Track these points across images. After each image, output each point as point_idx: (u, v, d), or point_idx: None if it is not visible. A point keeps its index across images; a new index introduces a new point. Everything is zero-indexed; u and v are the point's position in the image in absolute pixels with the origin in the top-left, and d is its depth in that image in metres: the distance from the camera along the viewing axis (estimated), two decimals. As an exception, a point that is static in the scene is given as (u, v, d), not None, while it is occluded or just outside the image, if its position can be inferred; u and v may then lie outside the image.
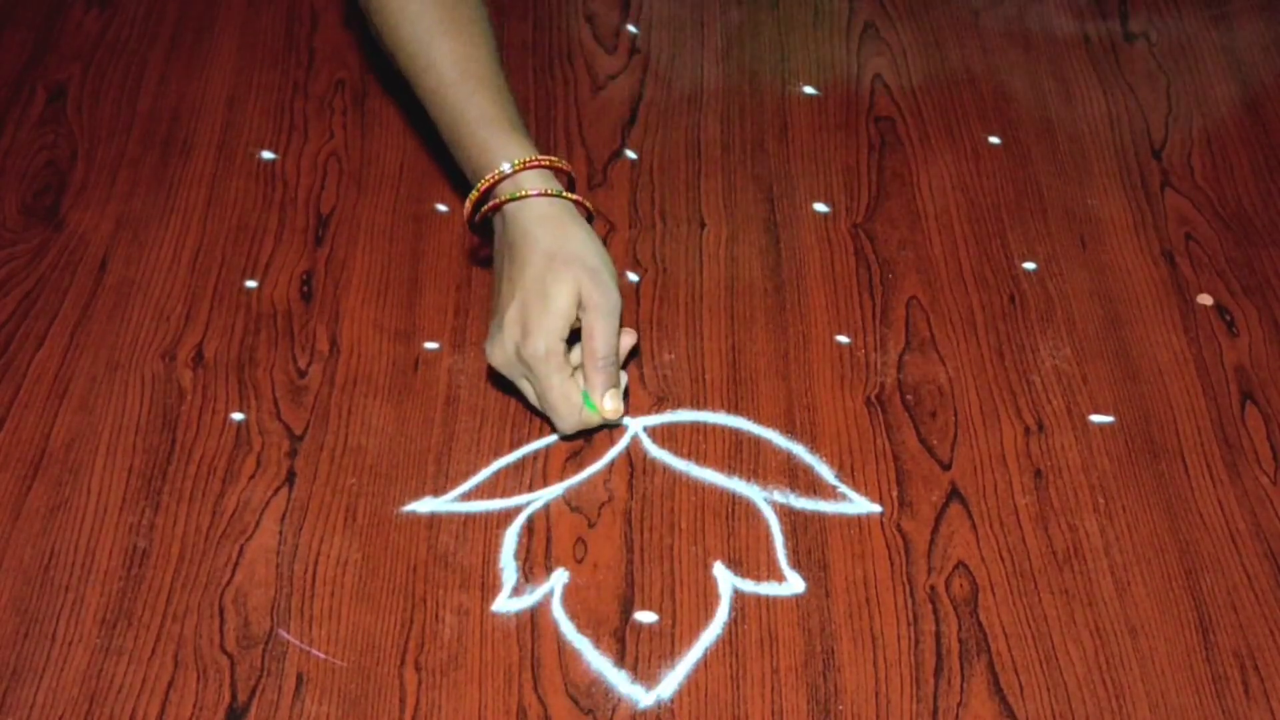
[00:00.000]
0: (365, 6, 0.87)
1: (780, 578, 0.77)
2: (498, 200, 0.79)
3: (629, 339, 0.82)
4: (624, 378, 0.82)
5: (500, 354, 0.78)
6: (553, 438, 0.83)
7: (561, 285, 0.77)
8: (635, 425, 0.84)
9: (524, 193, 0.78)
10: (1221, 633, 0.74)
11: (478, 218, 0.81)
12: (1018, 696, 0.72)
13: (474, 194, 0.80)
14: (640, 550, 0.78)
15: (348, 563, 0.77)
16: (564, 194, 0.80)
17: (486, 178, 0.79)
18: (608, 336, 0.78)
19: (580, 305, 0.78)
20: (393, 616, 0.75)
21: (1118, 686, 0.72)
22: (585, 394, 0.79)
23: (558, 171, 0.81)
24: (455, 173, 0.84)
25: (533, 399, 0.80)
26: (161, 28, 1.10)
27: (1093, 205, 0.98)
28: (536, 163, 0.79)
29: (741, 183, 0.99)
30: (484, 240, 0.85)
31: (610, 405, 0.79)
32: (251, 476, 0.81)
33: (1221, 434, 0.84)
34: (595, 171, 0.99)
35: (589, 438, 0.83)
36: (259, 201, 0.97)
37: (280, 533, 0.78)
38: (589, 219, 0.82)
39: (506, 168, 0.79)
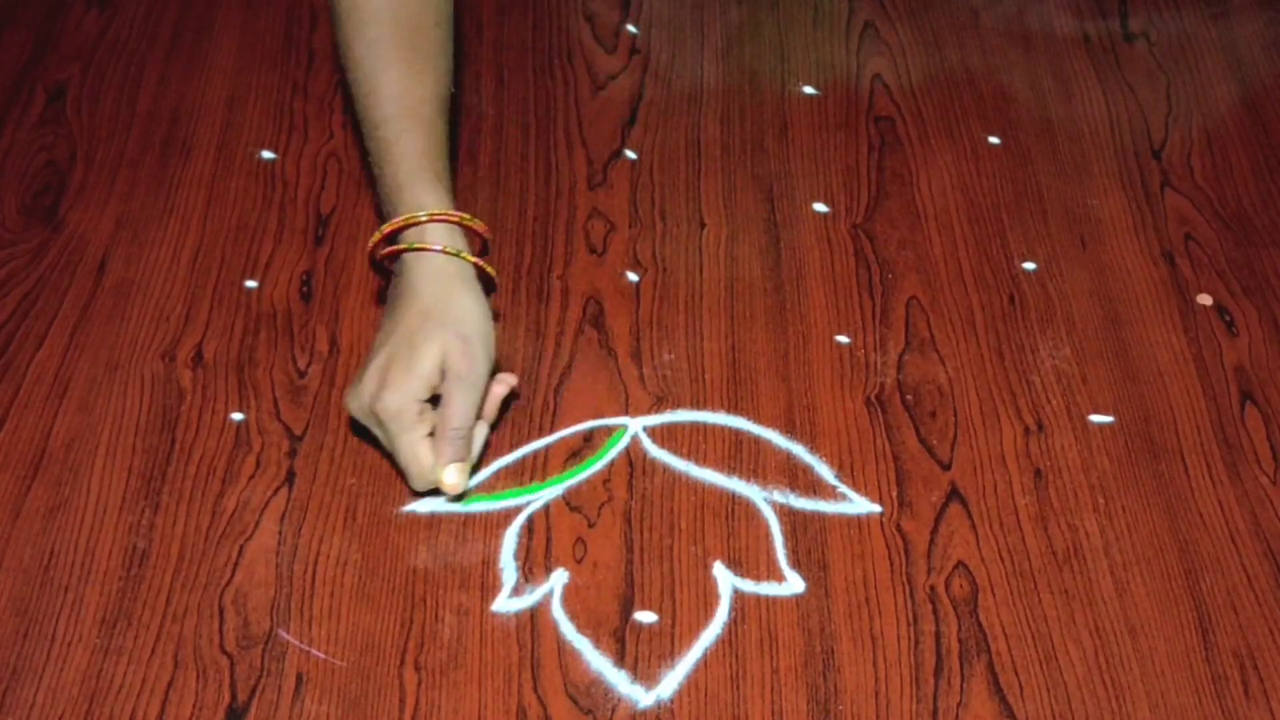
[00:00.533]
0: (332, 16, 0.84)
1: (780, 578, 0.77)
2: (398, 246, 0.77)
3: (501, 388, 0.80)
4: (479, 443, 0.79)
5: (355, 402, 0.76)
6: (553, 437, 0.83)
7: (428, 348, 0.74)
8: (635, 425, 0.84)
9: (425, 245, 0.76)
10: (1221, 633, 0.74)
11: (379, 257, 0.79)
12: (1018, 696, 0.72)
13: (377, 235, 0.78)
14: (640, 550, 0.78)
15: (348, 563, 0.77)
16: (463, 254, 0.77)
17: (394, 220, 0.77)
18: (463, 409, 0.75)
19: (443, 371, 0.75)
20: (393, 616, 0.75)
21: (1118, 686, 0.72)
22: None
23: (470, 232, 0.79)
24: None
25: (387, 449, 0.78)
26: (161, 28, 1.10)
27: (1093, 205, 0.98)
28: (447, 218, 0.77)
29: (741, 183, 0.99)
30: (384, 280, 0.83)
31: (450, 480, 0.76)
32: (251, 476, 0.81)
33: (1221, 434, 0.84)
34: (595, 171, 0.99)
35: (589, 437, 0.83)
36: (259, 201, 0.96)
37: (280, 533, 0.78)
38: (490, 287, 0.80)
39: (418, 215, 0.77)
